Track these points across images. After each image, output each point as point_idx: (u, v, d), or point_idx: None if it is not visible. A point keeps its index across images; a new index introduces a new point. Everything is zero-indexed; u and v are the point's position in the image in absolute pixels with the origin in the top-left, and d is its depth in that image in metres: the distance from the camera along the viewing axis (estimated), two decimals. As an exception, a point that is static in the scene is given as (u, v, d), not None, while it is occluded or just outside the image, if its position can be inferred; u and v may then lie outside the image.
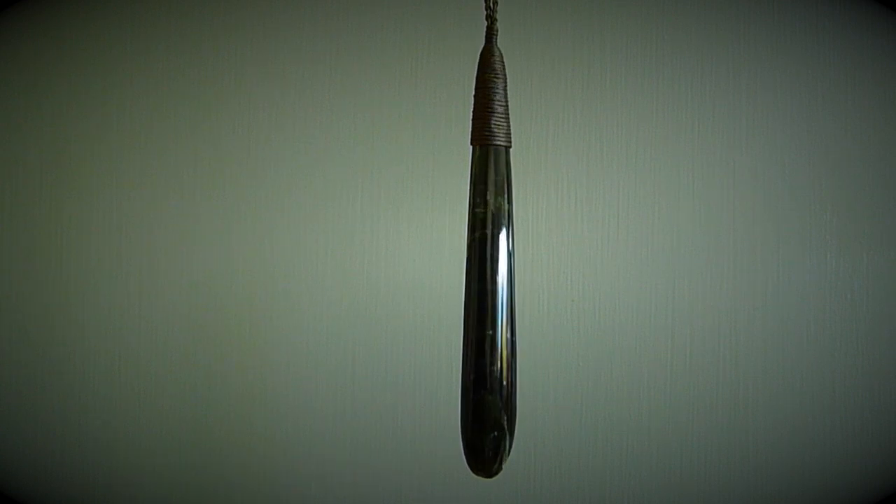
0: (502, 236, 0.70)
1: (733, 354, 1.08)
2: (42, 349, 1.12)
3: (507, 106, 0.71)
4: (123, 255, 1.12)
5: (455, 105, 1.09)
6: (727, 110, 1.09)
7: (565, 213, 1.09)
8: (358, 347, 1.10)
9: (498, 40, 0.73)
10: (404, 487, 1.10)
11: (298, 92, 1.11)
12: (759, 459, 1.08)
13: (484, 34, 0.72)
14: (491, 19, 0.72)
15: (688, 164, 1.09)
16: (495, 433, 0.70)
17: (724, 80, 1.09)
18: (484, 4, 0.72)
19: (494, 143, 0.71)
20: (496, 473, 0.71)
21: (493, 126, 0.71)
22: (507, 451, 0.70)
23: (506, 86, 0.71)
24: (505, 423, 0.70)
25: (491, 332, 0.70)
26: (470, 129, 0.72)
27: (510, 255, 0.71)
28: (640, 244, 1.09)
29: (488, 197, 0.71)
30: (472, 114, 0.72)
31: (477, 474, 0.71)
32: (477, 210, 0.71)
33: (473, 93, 0.72)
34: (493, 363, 0.70)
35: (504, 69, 0.72)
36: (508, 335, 0.70)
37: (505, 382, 0.70)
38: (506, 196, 0.71)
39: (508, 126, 0.72)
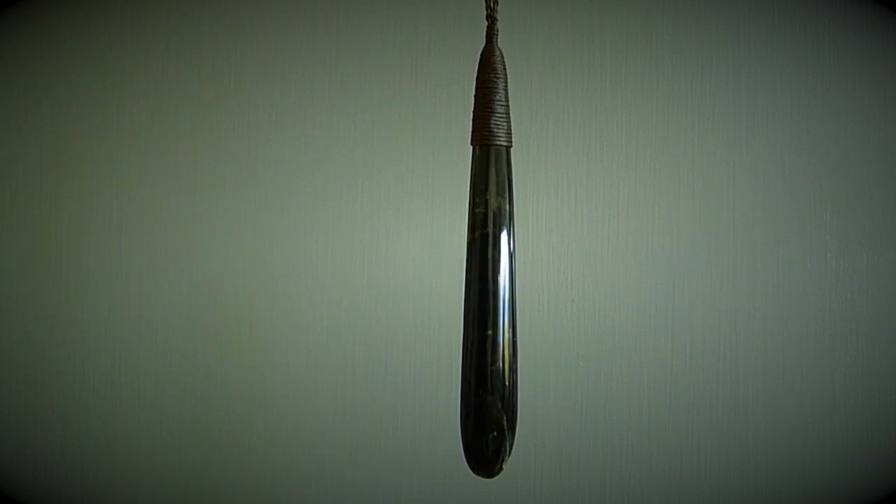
0: (503, 236, 0.70)
1: (733, 354, 1.08)
2: (42, 349, 1.12)
3: (507, 106, 0.71)
4: (123, 255, 1.12)
5: (455, 105, 1.09)
6: (727, 110, 1.09)
7: (565, 213, 1.09)
8: (358, 347, 1.10)
9: (498, 40, 0.73)
10: (404, 487, 1.10)
11: (298, 92, 1.11)
12: (759, 459, 1.08)
13: (484, 34, 0.72)
14: (491, 19, 0.72)
15: (688, 164, 1.09)
16: (495, 433, 0.70)
17: (724, 80, 1.09)
18: (484, 4, 0.72)
19: (495, 143, 0.71)
20: (497, 474, 0.71)
21: (493, 126, 0.71)
22: (507, 452, 0.70)
23: (506, 86, 0.71)
24: (505, 423, 0.70)
25: (491, 332, 0.70)
26: (470, 129, 0.72)
27: (511, 255, 0.71)
28: (640, 244, 1.09)
29: (488, 197, 0.71)
30: (472, 114, 0.72)
31: (477, 474, 0.71)
32: (477, 210, 0.71)
33: (474, 93, 0.72)
34: (493, 363, 0.70)
35: (505, 69, 0.71)
36: (509, 335, 0.70)
37: (505, 383, 0.70)
38: (506, 196, 0.71)
39: (509, 126, 0.72)
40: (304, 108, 1.11)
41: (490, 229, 0.70)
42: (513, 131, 0.72)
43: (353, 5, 1.11)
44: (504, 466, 0.71)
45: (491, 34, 0.72)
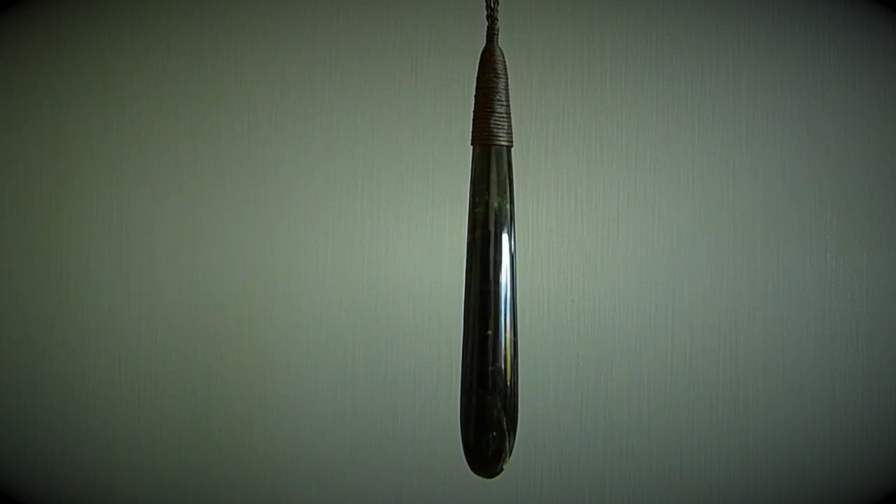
0: (503, 236, 0.70)
1: (733, 354, 1.08)
2: (42, 349, 1.12)
3: (508, 106, 0.71)
4: (123, 255, 1.12)
5: (455, 105, 1.09)
6: (727, 110, 1.09)
7: (565, 213, 1.09)
8: (358, 347, 1.10)
9: (498, 40, 0.73)
10: (404, 487, 1.10)
11: (298, 92, 1.11)
12: (759, 459, 1.08)
13: (484, 34, 0.72)
14: (492, 19, 0.72)
15: (688, 164, 1.09)
16: (495, 433, 0.70)
17: (724, 80, 1.09)
18: (485, 4, 0.72)
19: (495, 143, 0.71)
20: (497, 474, 0.71)
21: (494, 126, 0.71)
22: (508, 452, 0.70)
23: (507, 86, 0.71)
24: (505, 423, 0.70)
25: (491, 332, 0.70)
26: (470, 129, 0.72)
27: (512, 255, 0.71)
28: (640, 244, 1.09)
29: (489, 197, 0.70)
30: (472, 114, 0.72)
31: (478, 475, 0.71)
32: (477, 210, 0.71)
33: (474, 93, 0.72)
34: (493, 363, 0.70)
35: (505, 69, 0.71)
36: (509, 335, 0.70)
37: (506, 383, 0.70)
38: (507, 196, 0.71)
39: (510, 126, 0.72)
40: (304, 108, 1.11)
41: (490, 229, 0.70)
42: (513, 131, 0.72)
43: (353, 5, 1.11)
44: (504, 467, 0.71)
45: (491, 34, 0.72)
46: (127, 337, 1.12)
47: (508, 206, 0.71)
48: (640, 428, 1.09)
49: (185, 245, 1.11)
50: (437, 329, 1.09)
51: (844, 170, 1.08)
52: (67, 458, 1.12)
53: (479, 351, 0.70)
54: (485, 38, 0.72)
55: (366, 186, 1.11)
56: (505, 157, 0.71)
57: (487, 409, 0.70)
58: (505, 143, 0.71)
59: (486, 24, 0.72)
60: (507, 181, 0.71)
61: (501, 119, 0.71)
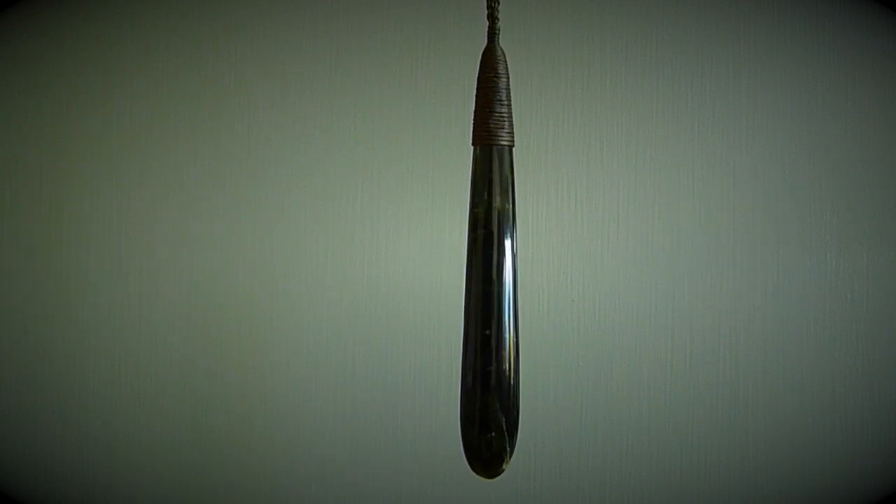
0: (504, 236, 0.70)
1: (733, 354, 1.08)
2: (42, 349, 1.12)
3: (510, 106, 0.71)
4: (123, 255, 1.12)
5: (455, 105, 1.09)
6: (727, 110, 1.09)
7: (565, 213, 1.09)
8: (358, 347, 1.10)
9: (499, 40, 0.73)
10: (404, 487, 1.10)
11: (298, 92, 1.11)
12: (759, 459, 1.08)
13: (486, 34, 0.72)
14: (493, 19, 0.72)
15: (688, 164, 1.09)
16: (496, 434, 0.70)
17: (724, 80, 1.09)
18: (485, 4, 0.72)
19: (497, 143, 0.71)
20: (498, 474, 0.71)
21: (495, 126, 0.71)
22: (508, 453, 0.70)
23: (508, 85, 0.71)
24: (506, 423, 0.70)
25: (492, 332, 0.70)
26: (470, 129, 0.72)
27: (513, 255, 0.71)
28: (640, 244, 1.09)
29: (490, 197, 0.70)
30: (473, 114, 0.71)
31: (479, 475, 0.71)
32: (478, 210, 0.71)
33: (475, 93, 0.72)
34: (493, 363, 0.70)
35: (507, 69, 0.71)
36: (510, 335, 0.70)
37: (506, 383, 0.70)
38: (508, 196, 0.71)
39: (511, 126, 0.71)
40: (304, 108, 1.11)
41: (491, 229, 0.70)
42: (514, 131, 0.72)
43: (353, 5, 1.11)
44: (506, 467, 0.71)
45: (492, 34, 0.72)
46: (127, 337, 1.12)
47: (509, 207, 0.71)
48: (640, 428, 1.09)
49: (185, 245, 1.11)
50: (437, 329, 1.09)
51: (844, 170, 1.08)
52: (67, 458, 1.12)
53: (480, 351, 0.70)
54: (486, 37, 0.72)
55: (366, 186, 1.11)
56: (506, 158, 0.71)
57: (488, 409, 0.70)
58: (506, 143, 0.71)
59: (487, 23, 0.72)
60: (509, 181, 0.71)
61: (503, 119, 0.71)
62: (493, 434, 0.70)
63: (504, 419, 0.70)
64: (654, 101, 1.09)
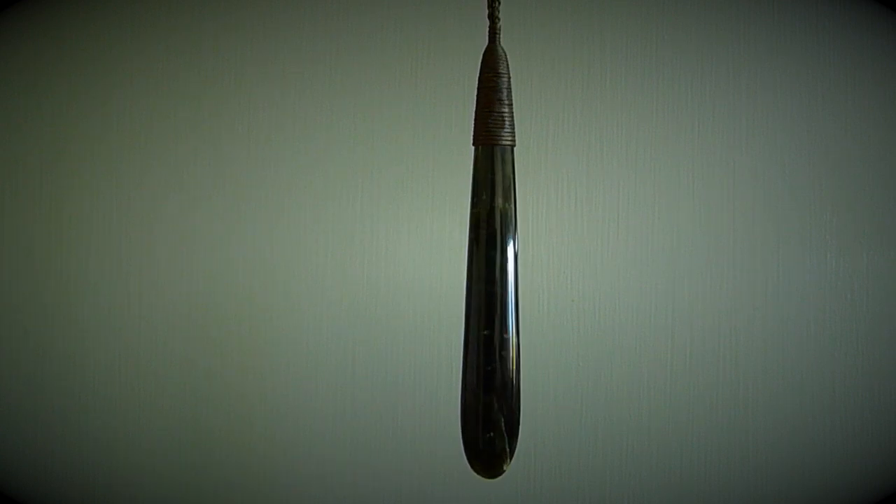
0: (505, 236, 0.70)
1: (733, 354, 1.08)
2: (42, 349, 1.12)
3: (511, 106, 0.71)
4: (123, 255, 1.12)
5: (455, 105, 1.09)
6: (727, 110, 1.09)
7: (565, 213, 1.09)
8: (358, 347, 1.10)
9: (500, 40, 0.73)
10: (404, 487, 1.10)
11: (298, 92, 1.11)
12: (759, 459, 1.08)
13: (486, 34, 0.72)
14: (493, 19, 0.72)
15: (688, 164, 1.09)
16: (497, 434, 0.70)
17: (724, 80, 1.09)
18: (486, 4, 0.72)
19: (498, 142, 0.71)
20: (499, 475, 0.71)
21: (497, 126, 0.71)
22: (509, 453, 0.70)
23: (510, 85, 0.71)
24: (507, 424, 0.70)
25: (492, 332, 0.70)
26: (471, 129, 0.72)
27: (514, 255, 0.71)
28: (640, 244, 1.09)
29: (491, 196, 0.70)
30: (474, 114, 0.71)
31: (480, 476, 0.71)
32: (479, 210, 0.71)
33: (476, 93, 0.72)
34: (494, 363, 0.70)
35: (508, 69, 0.71)
36: (510, 335, 0.70)
37: (507, 383, 0.70)
38: (510, 196, 0.71)
39: (513, 126, 0.71)
40: (304, 108, 1.11)
41: (492, 229, 0.70)
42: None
43: (353, 5, 1.11)
44: (506, 468, 0.71)
45: (493, 34, 0.72)
46: (127, 337, 1.11)
47: (510, 206, 0.71)
48: (640, 428, 1.09)
49: (185, 245, 1.11)
50: (437, 329, 1.09)
51: (844, 170, 1.08)
52: (67, 458, 1.12)
53: (481, 351, 0.70)
54: (486, 37, 0.72)
55: (366, 186, 1.11)
56: (507, 157, 0.71)
57: (489, 409, 0.70)
58: (507, 143, 0.71)
59: (488, 23, 0.72)
60: (510, 181, 0.71)
61: (504, 119, 0.71)
62: (494, 434, 0.70)
63: (505, 419, 0.70)
64: (654, 101, 1.09)
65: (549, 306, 1.09)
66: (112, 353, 1.12)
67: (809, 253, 1.08)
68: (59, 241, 1.12)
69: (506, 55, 0.72)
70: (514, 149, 0.72)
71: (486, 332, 0.69)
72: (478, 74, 0.72)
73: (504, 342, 0.70)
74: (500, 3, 0.72)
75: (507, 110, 0.71)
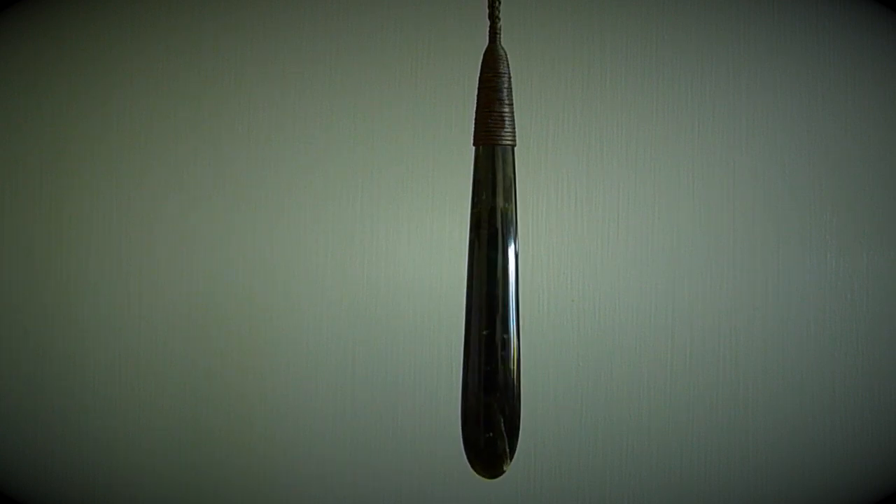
0: (505, 236, 0.70)
1: (733, 354, 1.08)
2: (42, 349, 1.12)
3: (512, 106, 0.71)
4: (123, 255, 1.12)
5: (455, 105, 1.09)
6: (727, 110, 1.09)
7: (565, 213, 1.09)
8: (358, 347, 1.10)
9: (501, 40, 0.73)
10: (404, 487, 1.10)
11: (298, 92, 1.11)
12: (759, 459, 1.08)
13: (487, 34, 0.72)
14: (494, 19, 0.72)
15: (688, 164, 1.09)
16: (497, 434, 0.70)
17: (724, 80, 1.09)
18: (487, 3, 0.72)
19: (499, 142, 0.71)
20: (499, 475, 0.71)
21: (497, 126, 0.71)
22: (509, 453, 0.70)
23: (510, 85, 0.71)
24: (508, 424, 0.70)
25: (493, 332, 0.70)
26: (471, 129, 0.72)
27: (515, 255, 0.71)
28: (640, 244, 1.09)
29: (492, 197, 0.70)
30: (475, 114, 0.71)
31: (481, 476, 0.71)
32: (480, 209, 0.71)
33: (476, 93, 0.72)
34: (494, 363, 0.70)
35: (508, 68, 0.71)
36: (510, 335, 0.70)
37: (508, 383, 0.70)
38: (511, 196, 0.71)
39: (513, 125, 0.71)
40: (304, 108, 1.11)
41: (493, 229, 0.70)
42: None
43: (353, 5, 1.11)
44: (507, 468, 0.71)
45: (493, 34, 0.72)
46: (127, 337, 1.12)
47: (511, 206, 0.71)
48: (640, 428, 1.09)
49: (185, 245, 1.11)
50: (437, 329, 1.09)
51: (844, 170, 1.08)
52: (67, 458, 1.12)
53: (481, 351, 0.70)
54: (487, 37, 0.72)
55: (366, 186, 1.11)
56: (507, 157, 0.71)
57: (489, 410, 0.70)
58: (508, 143, 0.71)
59: (488, 23, 0.72)
60: (511, 181, 0.71)
61: (505, 119, 0.71)
62: (494, 434, 0.70)
63: (505, 419, 0.70)
64: (654, 101, 1.09)
65: (549, 306, 1.09)
66: (112, 353, 1.12)
67: (809, 253, 1.08)
68: (59, 241, 1.12)
69: (506, 55, 0.72)
70: (515, 149, 0.72)
71: (486, 332, 0.69)
72: (478, 74, 0.72)
73: (504, 342, 0.70)
74: (500, 3, 0.72)
75: (507, 110, 0.71)
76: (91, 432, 1.12)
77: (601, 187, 1.09)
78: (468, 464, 0.71)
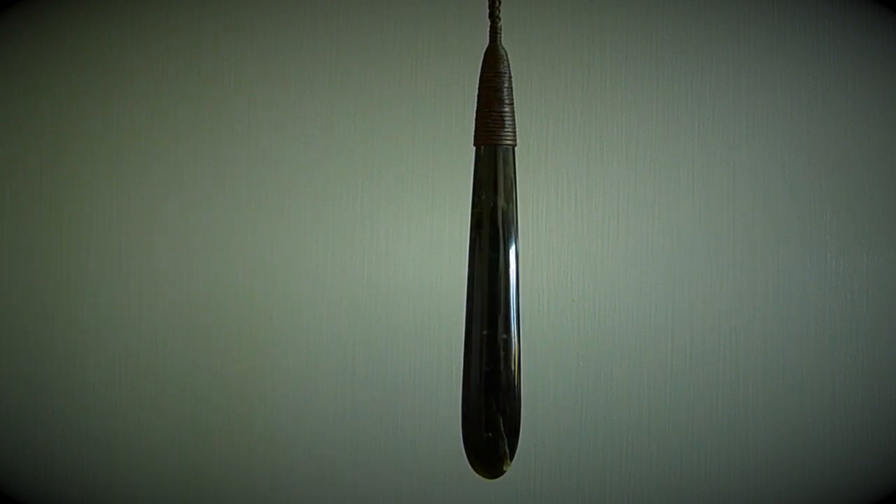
0: (506, 236, 0.70)
1: (733, 354, 1.08)
2: (42, 349, 1.12)
3: (512, 106, 0.71)
4: (123, 255, 1.12)
5: (455, 105, 1.09)
6: (727, 110, 1.09)
7: (565, 213, 1.09)
8: (358, 347, 1.10)
9: (501, 40, 0.73)
10: (404, 487, 1.10)
11: (298, 92, 1.11)
12: (759, 459, 1.08)
13: (487, 34, 0.72)
14: (494, 18, 0.72)
15: (688, 164, 1.09)
16: (498, 435, 0.70)
17: (724, 80, 1.09)
18: (487, 3, 0.72)
19: (499, 142, 0.71)
20: (500, 475, 0.71)
21: (498, 126, 0.71)
22: (510, 453, 0.70)
23: (511, 85, 0.71)
24: (508, 424, 0.70)
25: (493, 332, 0.70)
26: (471, 129, 0.72)
27: (515, 255, 0.71)
28: (640, 244, 1.09)
29: (493, 197, 0.70)
30: (475, 114, 0.71)
31: (481, 476, 0.71)
32: (481, 210, 0.71)
33: (477, 93, 0.72)
34: (495, 363, 0.70)
35: (509, 68, 0.71)
36: (511, 335, 0.70)
37: (508, 383, 0.70)
38: (511, 196, 0.71)
39: (513, 125, 0.71)
40: (304, 108, 1.11)
41: (493, 229, 0.70)
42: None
43: (353, 5, 1.11)
44: (507, 468, 0.71)
45: (494, 34, 0.72)
46: (127, 337, 1.11)
47: (511, 206, 0.71)
48: (640, 428, 1.09)
49: (185, 245, 1.11)
50: (437, 329, 1.09)
51: (844, 170, 1.08)
52: (67, 458, 1.12)
53: (480, 351, 0.70)
54: (487, 37, 0.72)
55: (366, 186, 1.11)
56: (508, 157, 0.71)
57: (489, 410, 0.70)
58: (509, 143, 0.71)
59: (489, 23, 0.72)
60: (511, 181, 0.71)
61: (505, 119, 0.71)
62: (495, 434, 0.70)
63: (505, 419, 0.70)
64: (654, 101, 1.09)
65: (549, 306, 1.09)
66: (112, 353, 1.12)
67: (809, 253, 1.08)
68: (59, 241, 1.12)
69: (506, 55, 0.72)
70: (515, 149, 0.72)
71: (486, 333, 0.69)
72: (478, 74, 0.72)
73: (505, 342, 0.70)
74: (500, 3, 0.72)
75: (507, 110, 0.71)
76: (91, 432, 1.12)
77: (601, 187, 1.09)
78: (468, 464, 0.71)
